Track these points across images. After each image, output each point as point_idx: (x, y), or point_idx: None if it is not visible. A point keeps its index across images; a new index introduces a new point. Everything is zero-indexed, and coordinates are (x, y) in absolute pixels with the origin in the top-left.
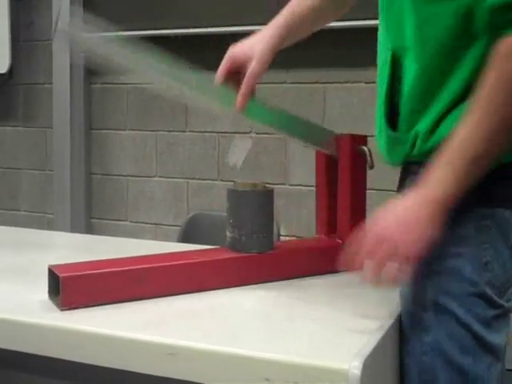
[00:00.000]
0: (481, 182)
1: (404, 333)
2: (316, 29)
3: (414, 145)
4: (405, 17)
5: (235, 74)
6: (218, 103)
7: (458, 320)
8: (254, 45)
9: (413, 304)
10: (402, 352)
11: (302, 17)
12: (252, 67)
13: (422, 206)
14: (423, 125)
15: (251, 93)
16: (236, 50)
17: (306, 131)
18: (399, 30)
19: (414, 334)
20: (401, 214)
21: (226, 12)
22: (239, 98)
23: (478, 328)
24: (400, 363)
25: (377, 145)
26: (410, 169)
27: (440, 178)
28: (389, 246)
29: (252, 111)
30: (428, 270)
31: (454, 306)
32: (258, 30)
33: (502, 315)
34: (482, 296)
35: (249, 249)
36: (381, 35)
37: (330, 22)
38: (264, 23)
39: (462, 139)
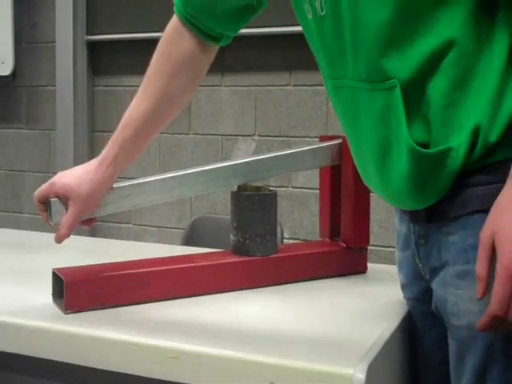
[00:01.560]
0: None
1: (476, 367)
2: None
3: (472, 146)
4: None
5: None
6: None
7: None
8: (81, 183)
9: (494, 336)
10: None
11: (135, 137)
12: (67, 217)
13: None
14: (478, 111)
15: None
16: (59, 184)
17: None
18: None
19: (490, 367)
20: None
21: None
22: (56, 238)
23: None
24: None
25: (383, 198)
26: (467, 182)
27: None
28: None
29: None
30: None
31: None
32: (257, 32)
33: None
34: None
35: (252, 252)
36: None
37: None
38: (265, 25)
39: None
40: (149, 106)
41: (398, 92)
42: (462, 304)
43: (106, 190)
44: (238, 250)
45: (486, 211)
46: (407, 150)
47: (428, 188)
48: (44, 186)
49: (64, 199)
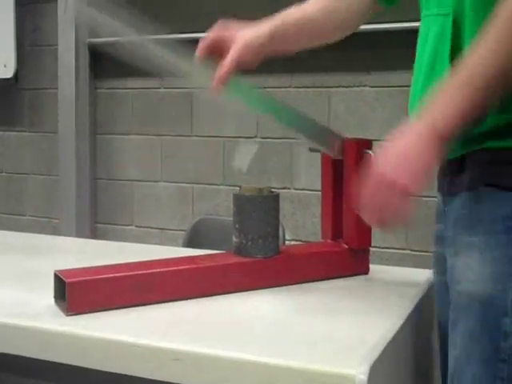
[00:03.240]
0: None
1: (470, 337)
2: (311, 44)
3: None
4: None
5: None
6: (196, 81)
7: None
8: (245, 31)
9: (489, 306)
10: (455, 357)
11: (297, 26)
12: (233, 52)
13: (423, 138)
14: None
15: (228, 75)
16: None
17: (306, 126)
18: None
19: (486, 339)
20: (401, 149)
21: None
22: (215, 80)
23: None
24: (443, 366)
25: None
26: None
27: (445, 106)
28: (388, 184)
29: (237, 92)
30: (508, 271)
31: None
32: None
33: None
34: None
35: (255, 253)
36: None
37: (330, 40)
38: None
39: (473, 64)
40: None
41: (450, 19)
42: (462, 271)
43: (261, 47)
44: (240, 251)
45: (497, 186)
46: (447, 68)
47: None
48: (206, 37)
49: (227, 44)
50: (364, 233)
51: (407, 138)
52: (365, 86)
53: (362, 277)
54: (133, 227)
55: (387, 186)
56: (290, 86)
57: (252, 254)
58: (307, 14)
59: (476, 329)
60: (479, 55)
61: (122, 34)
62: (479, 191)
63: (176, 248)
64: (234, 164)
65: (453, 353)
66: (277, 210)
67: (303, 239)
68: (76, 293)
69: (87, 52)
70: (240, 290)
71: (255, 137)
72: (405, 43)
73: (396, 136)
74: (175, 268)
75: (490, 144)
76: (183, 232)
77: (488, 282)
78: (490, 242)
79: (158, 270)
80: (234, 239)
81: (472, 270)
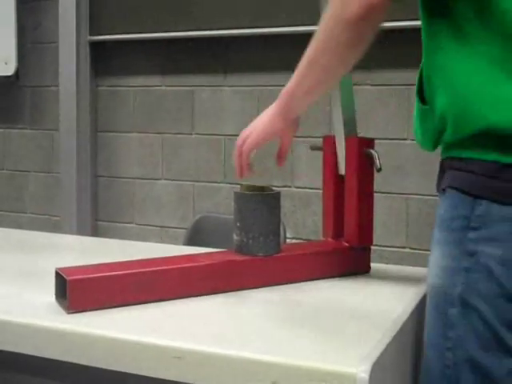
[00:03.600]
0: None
1: (429, 325)
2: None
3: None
4: None
5: None
6: None
7: (483, 319)
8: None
9: (440, 297)
10: (424, 342)
11: None
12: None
13: (272, 106)
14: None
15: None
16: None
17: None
18: None
19: (438, 328)
20: (261, 115)
21: (230, 15)
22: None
23: (501, 331)
24: (417, 352)
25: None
26: (446, 164)
27: (288, 85)
28: (240, 138)
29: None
30: (459, 265)
31: (481, 304)
32: (259, 32)
33: None
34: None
35: (256, 251)
36: None
37: None
38: (268, 25)
39: (308, 49)
40: None
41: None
42: (430, 265)
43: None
44: (241, 249)
45: (456, 189)
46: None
47: (425, 133)
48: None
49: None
50: (365, 231)
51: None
52: (366, 84)
53: (363, 275)
54: (134, 225)
55: (239, 140)
56: None
57: (253, 251)
58: None
59: (431, 318)
60: (308, 48)
61: None
62: (446, 192)
63: (177, 246)
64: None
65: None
66: (278, 208)
67: (304, 238)
68: (77, 290)
69: (88, 49)
70: (241, 289)
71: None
72: (406, 41)
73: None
74: (176, 266)
75: (452, 153)
76: (184, 230)
77: (442, 275)
78: (449, 238)
79: (159, 268)
80: (235, 237)
81: (434, 264)
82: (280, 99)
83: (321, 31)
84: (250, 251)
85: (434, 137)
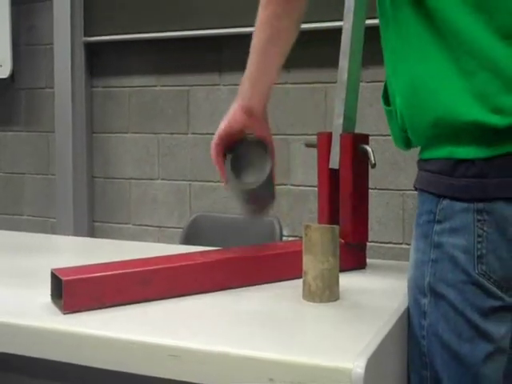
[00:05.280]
0: (476, 175)
1: (410, 316)
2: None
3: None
4: None
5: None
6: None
7: (453, 306)
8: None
9: (414, 289)
10: (407, 335)
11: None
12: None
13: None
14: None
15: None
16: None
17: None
18: None
19: (415, 318)
20: None
21: (223, 14)
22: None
23: (472, 316)
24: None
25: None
26: (418, 165)
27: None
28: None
29: None
30: (427, 257)
31: (449, 292)
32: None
33: (506, 308)
34: (478, 285)
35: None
36: None
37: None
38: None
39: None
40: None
41: None
42: (410, 259)
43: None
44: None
45: (421, 189)
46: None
47: (393, 134)
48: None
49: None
50: (361, 228)
51: None
52: (361, 81)
53: (359, 271)
54: (130, 225)
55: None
56: (286, 82)
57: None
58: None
59: (411, 309)
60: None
61: None
62: (417, 191)
63: (173, 245)
64: None
65: None
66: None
67: (300, 235)
68: (73, 291)
69: (83, 51)
70: (237, 286)
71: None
72: None
73: None
74: (172, 265)
75: (420, 155)
76: (180, 230)
77: (414, 267)
78: (418, 232)
79: (155, 267)
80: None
81: (409, 257)
82: (238, 92)
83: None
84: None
85: (400, 135)
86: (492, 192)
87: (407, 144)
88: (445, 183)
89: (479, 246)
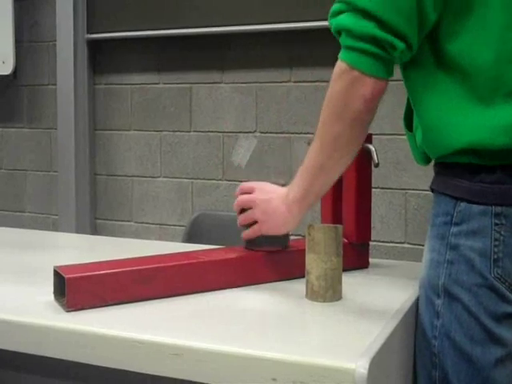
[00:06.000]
0: (495, 182)
1: (420, 315)
2: None
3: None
4: None
5: None
6: None
7: (467, 309)
8: None
9: (428, 289)
10: (416, 334)
11: None
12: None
13: (280, 201)
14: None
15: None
16: None
17: None
18: None
19: (426, 317)
20: (269, 197)
21: (227, 11)
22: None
23: (485, 320)
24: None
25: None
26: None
27: (295, 182)
28: (252, 213)
29: None
30: (443, 258)
31: (463, 294)
32: (257, 28)
33: None
34: (493, 289)
35: (266, 244)
36: None
37: None
38: (266, 21)
39: (308, 152)
40: None
41: None
42: (424, 259)
43: None
44: (249, 243)
45: (445, 194)
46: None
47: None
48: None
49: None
50: (364, 227)
51: (275, 201)
52: None
53: (362, 270)
54: (132, 223)
55: (252, 213)
56: (289, 81)
57: (262, 245)
58: None
59: (422, 308)
60: (311, 148)
61: None
62: (434, 192)
63: (175, 243)
64: (234, 159)
65: None
66: None
67: (303, 234)
68: (75, 288)
69: (86, 47)
70: (240, 285)
71: (254, 132)
72: None
73: (273, 186)
74: (175, 263)
75: (440, 160)
76: (183, 227)
77: (428, 267)
78: (434, 232)
79: (158, 265)
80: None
81: (424, 257)
82: (291, 206)
83: (322, 133)
84: (259, 245)
85: (422, 156)
86: (510, 197)
87: (428, 161)
88: (463, 187)
89: (496, 249)
